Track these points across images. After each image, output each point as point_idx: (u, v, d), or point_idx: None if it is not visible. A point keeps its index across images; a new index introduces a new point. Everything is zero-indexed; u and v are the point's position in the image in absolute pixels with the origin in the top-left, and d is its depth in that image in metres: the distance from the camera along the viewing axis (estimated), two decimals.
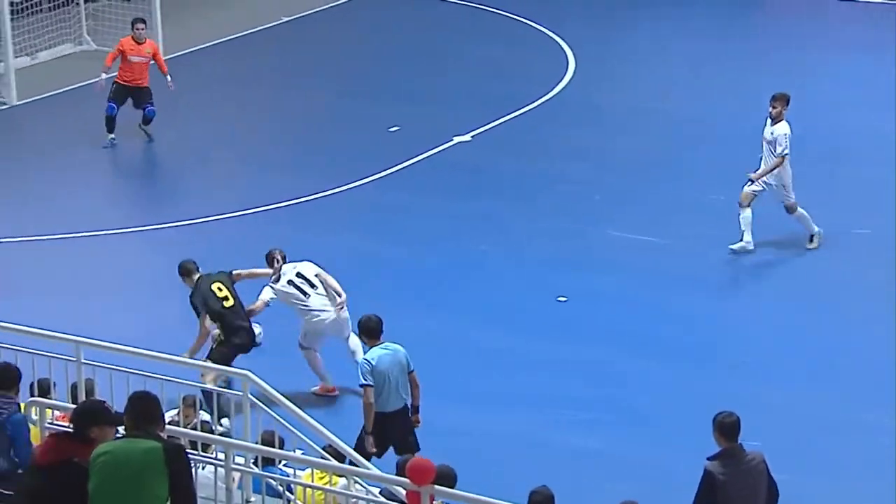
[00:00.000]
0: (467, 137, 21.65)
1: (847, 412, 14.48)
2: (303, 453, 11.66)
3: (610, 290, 17.02)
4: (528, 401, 14.80)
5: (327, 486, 11.07)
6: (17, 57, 23.81)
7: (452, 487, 10.31)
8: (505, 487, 10.27)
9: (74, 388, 12.24)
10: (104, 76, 20.61)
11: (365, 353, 13.31)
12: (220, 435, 12.33)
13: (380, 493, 10.90)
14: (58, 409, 11.54)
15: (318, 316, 14.77)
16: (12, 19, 23.55)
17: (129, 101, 20.91)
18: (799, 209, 17.76)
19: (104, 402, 9.67)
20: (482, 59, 25.50)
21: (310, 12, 28.10)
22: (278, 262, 14.95)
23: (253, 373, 11.54)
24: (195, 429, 11.98)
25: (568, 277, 17.42)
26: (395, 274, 17.55)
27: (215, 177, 20.67)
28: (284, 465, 11.71)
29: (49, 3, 25.86)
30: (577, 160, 19.74)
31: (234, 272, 14.91)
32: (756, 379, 15.07)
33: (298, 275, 14.88)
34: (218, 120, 22.78)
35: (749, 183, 17.58)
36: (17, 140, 22.20)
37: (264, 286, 15.16)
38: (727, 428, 10.37)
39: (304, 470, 11.46)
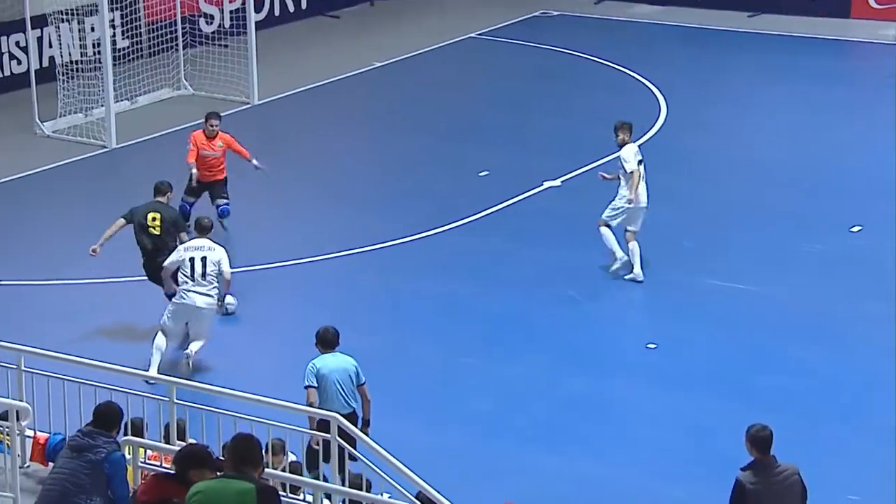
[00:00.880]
0: (557, 182, 21.74)
1: None
2: (390, 497, 11.76)
3: (700, 337, 17.00)
4: (624, 448, 14.76)
5: None
6: (117, 101, 24.32)
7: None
8: None
9: (167, 427, 12.47)
10: (195, 172, 20.04)
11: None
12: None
13: None
14: (150, 449, 11.77)
15: (184, 299, 16.03)
16: (114, 65, 24.03)
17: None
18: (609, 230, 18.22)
19: (207, 447, 9.93)
20: (574, 104, 25.61)
21: (402, 58, 28.39)
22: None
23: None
24: (284, 471, 12.15)
25: (658, 324, 17.41)
26: (483, 319, 17.61)
27: (305, 220, 20.89)
28: None
29: (150, 49, 26.42)
30: (666, 205, 19.73)
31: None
32: (866, 432, 14.90)
33: (203, 259, 16.04)
34: (307, 165, 23.07)
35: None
36: (116, 182, 22.59)
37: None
38: (760, 441, 10.64)
39: None
